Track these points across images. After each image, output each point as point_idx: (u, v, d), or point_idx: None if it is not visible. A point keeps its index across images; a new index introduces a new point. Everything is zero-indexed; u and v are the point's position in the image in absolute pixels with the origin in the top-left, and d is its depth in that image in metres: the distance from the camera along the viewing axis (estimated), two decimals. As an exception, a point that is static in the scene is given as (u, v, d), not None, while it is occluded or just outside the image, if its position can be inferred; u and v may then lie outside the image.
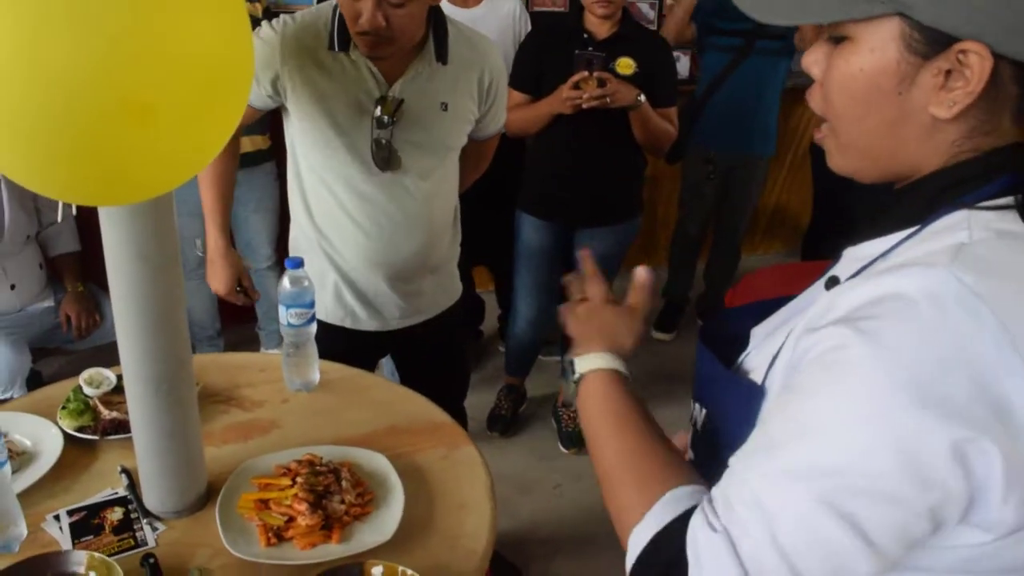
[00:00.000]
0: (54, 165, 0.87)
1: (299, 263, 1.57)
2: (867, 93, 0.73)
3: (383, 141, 1.69)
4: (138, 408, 1.23)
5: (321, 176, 1.76)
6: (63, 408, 1.51)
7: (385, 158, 1.70)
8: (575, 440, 3.07)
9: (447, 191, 1.87)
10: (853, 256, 0.82)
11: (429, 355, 1.97)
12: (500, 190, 2.86)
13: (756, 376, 0.84)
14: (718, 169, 3.58)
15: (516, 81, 2.61)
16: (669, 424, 3.14)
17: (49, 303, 2.94)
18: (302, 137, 1.74)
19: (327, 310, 1.86)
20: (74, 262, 2.98)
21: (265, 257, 3.27)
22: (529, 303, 2.90)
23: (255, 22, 3.01)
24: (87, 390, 1.56)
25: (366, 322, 1.88)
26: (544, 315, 2.93)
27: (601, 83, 2.38)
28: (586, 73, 2.39)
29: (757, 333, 0.94)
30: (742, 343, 0.95)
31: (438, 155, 1.80)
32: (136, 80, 0.84)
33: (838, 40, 0.75)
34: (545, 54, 2.60)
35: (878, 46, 0.71)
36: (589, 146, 2.63)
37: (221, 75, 0.91)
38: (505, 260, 3.08)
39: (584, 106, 2.41)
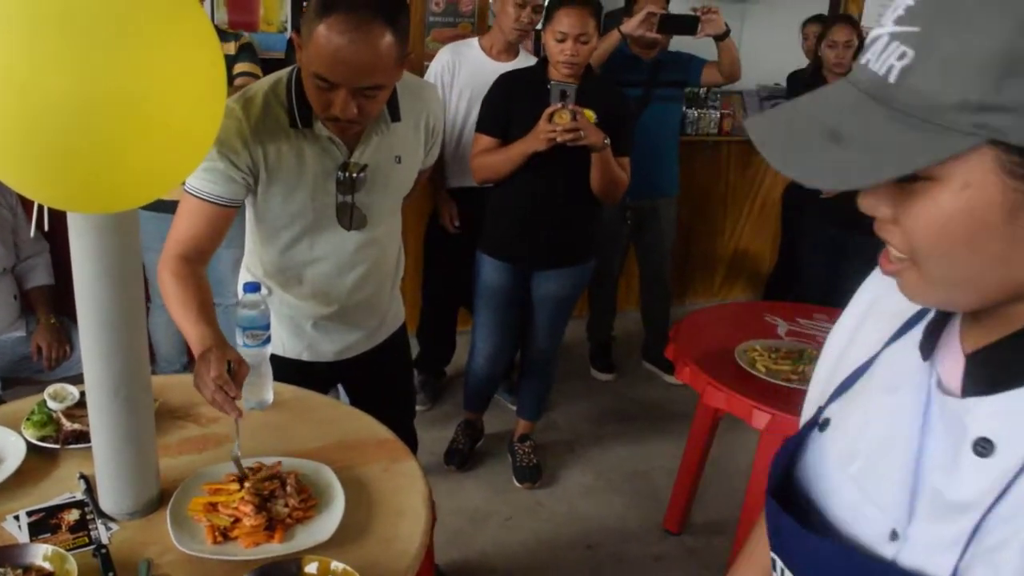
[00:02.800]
0: (37, 174, 0.99)
1: (256, 287, 1.68)
2: (972, 232, 0.63)
3: (348, 204, 1.78)
4: (97, 412, 1.33)
5: (285, 240, 1.82)
6: (27, 419, 1.60)
7: (350, 219, 1.81)
8: (528, 475, 3.17)
9: (396, 229, 2.00)
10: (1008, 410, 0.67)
11: (380, 378, 2.07)
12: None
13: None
14: (633, 214, 3.79)
15: (485, 126, 2.75)
16: (621, 462, 3.30)
17: (21, 333, 3.02)
18: (267, 205, 1.77)
19: (284, 345, 1.95)
20: (48, 295, 3.07)
21: (234, 293, 3.37)
22: (487, 340, 3.01)
23: (230, 60, 3.15)
24: (51, 404, 1.65)
25: (323, 354, 1.98)
26: (501, 352, 3.05)
27: (573, 116, 2.50)
28: (559, 105, 2.52)
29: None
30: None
31: (395, 204, 1.93)
32: (119, 116, 0.97)
33: (909, 178, 0.64)
34: (512, 102, 2.73)
35: (974, 181, 0.61)
36: (548, 192, 2.76)
37: (196, 107, 1.04)
38: None
39: (559, 139, 2.51)
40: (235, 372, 1.49)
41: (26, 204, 2.99)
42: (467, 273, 3.12)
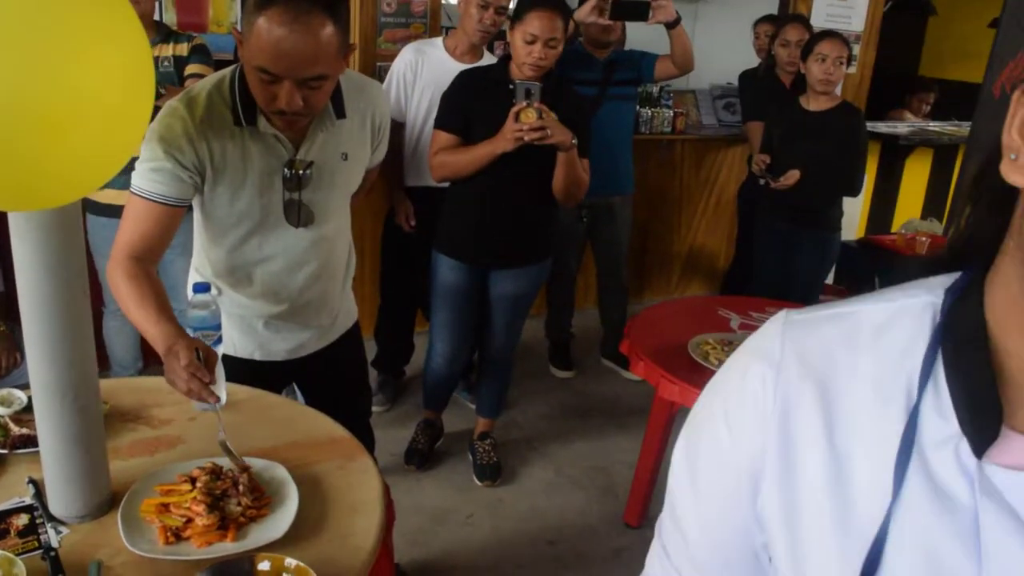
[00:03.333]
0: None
1: (206, 287, 1.68)
2: None
3: (295, 201, 1.79)
4: (45, 416, 1.32)
5: (234, 239, 1.81)
6: (-26, 426, 1.58)
7: (297, 216, 1.81)
8: (489, 473, 3.18)
9: (346, 227, 1.99)
10: None
11: (335, 376, 2.07)
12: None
13: None
14: (589, 213, 3.83)
15: (444, 122, 2.74)
16: (581, 458, 3.34)
17: (-33, 342, 2.96)
18: (214, 204, 1.77)
19: (235, 345, 1.94)
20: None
21: (187, 298, 3.33)
22: (445, 339, 3.02)
23: (182, 61, 3.13)
24: (-1, 410, 1.63)
25: (275, 353, 1.97)
26: (459, 351, 3.06)
27: (539, 114, 2.51)
28: (524, 104, 2.52)
29: None
30: None
31: (343, 200, 1.92)
32: (49, 101, 0.96)
33: None
34: (473, 99, 2.73)
35: None
36: (504, 192, 2.76)
37: (124, 101, 1.04)
38: None
39: (526, 139, 2.51)
40: (205, 359, 1.49)
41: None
42: (424, 273, 3.13)
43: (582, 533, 2.97)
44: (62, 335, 1.27)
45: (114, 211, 3.06)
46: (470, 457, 3.29)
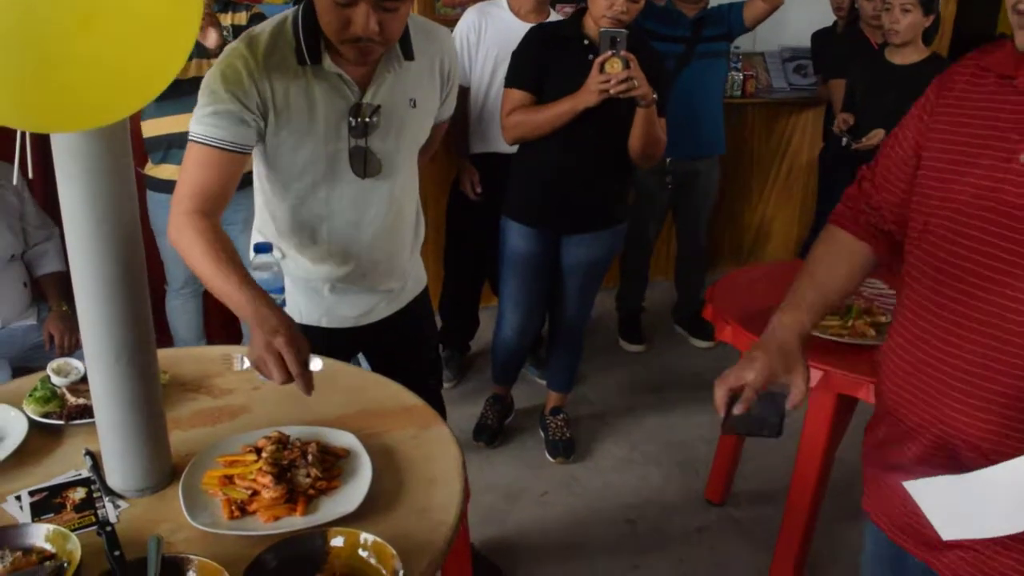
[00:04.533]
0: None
1: (268, 248, 1.56)
2: None
3: (361, 148, 1.67)
4: (99, 380, 1.22)
5: (298, 192, 1.70)
6: (29, 395, 1.49)
7: (363, 165, 1.69)
8: (562, 449, 3.05)
9: (414, 184, 1.87)
10: None
11: (404, 344, 1.95)
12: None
13: None
14: (672, 176, 3.62)
15: (518, 80, 2.59)
16: (656, 434, 3.14)
17: (32, 321, 2.92)
18: (278, 152, 1.66)
19: (301, 311, 1.83)
20: (59, 282, 2.97)
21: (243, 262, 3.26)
22: (515, 310, 2.88)
23: (241, 31, 3.03)
24: (55, 379, 1.54)
25: (344, 318, 1.86)
26: (530, 321, 2.92)
27: (626, 64, 2.35)
28: (610, 53, 2.36)
29: None
30: None
31: (410, 152, 1.79)
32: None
33: None
34: (546, 55, 2.57)
35: None
36: (579, 151, 2.61)
37: (169, 8, 0.92)
38: None
39: (612, 91, 2.35)
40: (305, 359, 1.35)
41: (33, 188, 2.89)
42: (491, 244, 3.00)
43: (662, 511, 2.81)
44: (114, 291, 1.16)
45: (174, 187, 2.99)
46: (541, 433, 3.16)
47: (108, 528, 1.10)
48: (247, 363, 1.43)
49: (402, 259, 1.87)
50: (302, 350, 1.33)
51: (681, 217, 3.90)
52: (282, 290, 1.57)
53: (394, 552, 1.10)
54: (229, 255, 1.47)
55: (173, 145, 2.93)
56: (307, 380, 1.32)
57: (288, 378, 1.32)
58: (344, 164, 1.67)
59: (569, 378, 3.15)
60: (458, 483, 1.32)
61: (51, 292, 2.95)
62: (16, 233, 2.81)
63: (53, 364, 1.57)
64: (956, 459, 1.16)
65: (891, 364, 1.26)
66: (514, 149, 2.85)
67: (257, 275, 1.54)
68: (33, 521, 1.20)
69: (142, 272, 1.19)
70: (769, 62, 5.08)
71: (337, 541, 1.13)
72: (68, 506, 1.25)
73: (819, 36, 4.47)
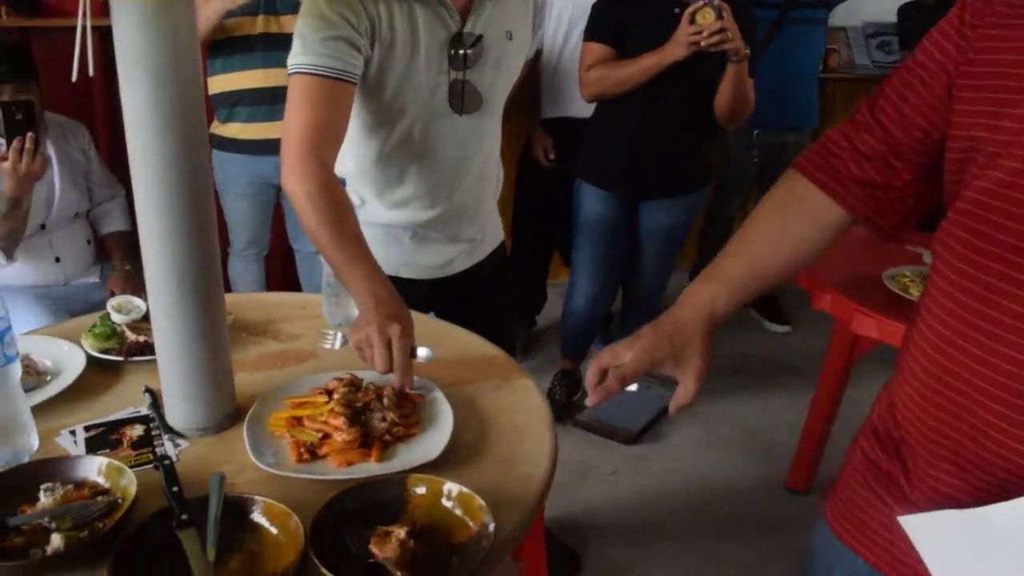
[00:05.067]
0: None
1: (342, 183, 1.45)
2: None
3: (460, 82, 1.54)
4: (160, 306, 1.11)
5: (392, 129, 1.57)
6: (88, 331, 1.40)
7: (462, 100, 1.56)
8: (634, 428, 2.91)
9: (499, 129, 1.75)
10: None
11: (482, 298, 1.82)
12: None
13: None
14: (760, 149, 3.42)
15: (598, 33, 2.45)
16: (733, 417, 2.95)
17: (95, 279, 2.87)
18: (379, 85, 1.52)
19: (378, 259, 1.71)
20: (123, 241, 2.92)
21: None
22: (588, 279, 2.74)
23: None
24: (115, 317, 1.45)
25: (422, 269, 1.73)
26: (604, 290, 2.78)
27: (718, 13, 2.19)
28: (701, 3, 2.20)
29: None
30: None
31: (504, 89, 1.67)
32: None
33: None
34: (628, 6, 2.43)
35: None
36: (662, 111, 2.46)
37: None
38: None
39: (703, 43, 2.20)
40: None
41: (99, 145, 2.84)
42: (562, 214, 2.87)
43: (739, 497, 2.65)
44: (177, 210, 1.05)
45: (240, 146, 2.92)
46: (611, 411, 3.02)
47: (167, 462, 0.99)
48: (340, 341, 1.32)
49: (487, 206, 1.76)
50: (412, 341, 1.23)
51: (767, 189, 3.71)
52: (356, 228, 1.45)
53: (484, 504, 0.97)
54: (348, 222, 1.35)
55: (239, 102, 2.85)
56: (409, 375, 1.22)
57: (390, 368, 1.21)
58: (442, 99, 1.54)
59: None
60: (547, 435, 1.19)
61: (115, 251, 2.90)
62: (82, 191, 2.76)
63: (113, 301, 1.48)
64: (993, 486, 0.82)
65: (913, 364, 0.90)
66: (588, 114, 2.72)
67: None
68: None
69: (207, 190, 1.08)
70: (851, 37, 4.85)
71: (419, 489, 1.01)
72: (125, 443, 1.14)
73: (906, 9, 4.23)
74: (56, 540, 0.90)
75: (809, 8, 3.22)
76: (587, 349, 3.07)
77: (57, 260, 2.73)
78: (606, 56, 2.43)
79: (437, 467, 1.08)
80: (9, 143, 2.24)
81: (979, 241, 0.79)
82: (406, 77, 1.50)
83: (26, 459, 1.08)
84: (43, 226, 2.62)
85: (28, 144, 2.26)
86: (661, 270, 2.77)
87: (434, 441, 1.13)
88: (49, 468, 1.01)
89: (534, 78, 3.09)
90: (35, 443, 1.11)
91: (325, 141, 1.38)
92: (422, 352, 1.25)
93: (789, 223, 1.01)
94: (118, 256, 2.89)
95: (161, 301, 1.11)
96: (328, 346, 1.43)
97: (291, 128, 1.39)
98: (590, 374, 1.02)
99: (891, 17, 4.41)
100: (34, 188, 2.41)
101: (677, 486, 2.70)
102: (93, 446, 1.13)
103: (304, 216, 1.34)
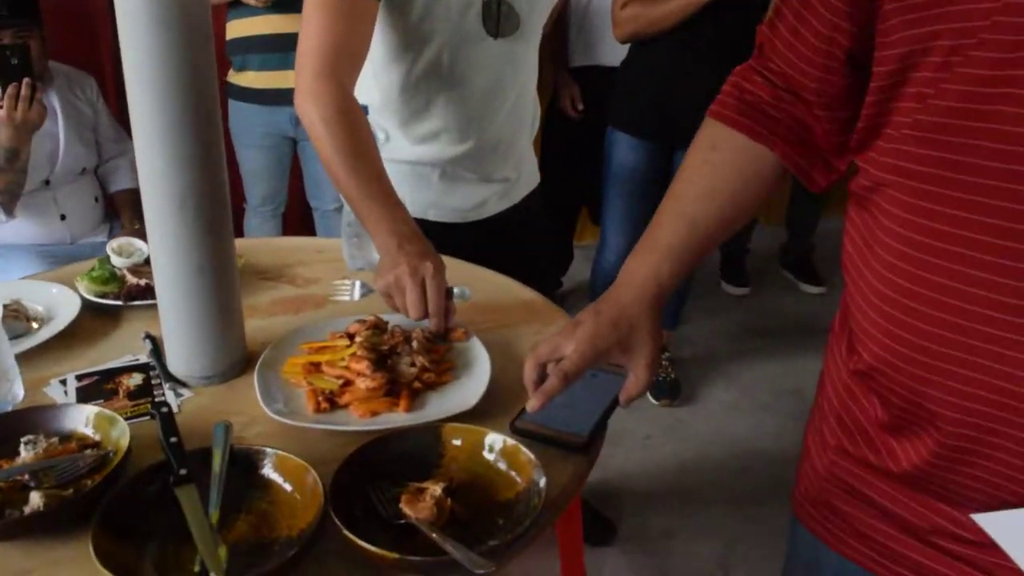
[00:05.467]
0: None
1: (364, 110, 1.30)
2: None
3: (496, 0, 1.39)
4: (158, 233, 0.97)
5: (420, 55, 1.43)
6: (85, 274, 1.27)
7: (497, 21, 1.41)
8: (667, 390, 2.77)
9: (535, 64, 1.59)
10: None
11: (517, 244, 1.66)
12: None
13: None
14: None
15: None
16: (768, 380, 2.76)
17: (103, 238, 2.75)
18: (406, 4, 1.38)
19: (404, 200, 1.56)
20: (132, 199, 2.80)
21: (333, 198, 3.02)
22: (620, 232, 2.59)
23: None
24: (115, 260, 1.32)
25: (452, 211, 1.58)
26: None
27: None
28: None
29: None
30: None
31: (541, 15, 1.51)
32: None
33: None
34: None
35: None
36: (700, 53, 2.30)
37: None
38: None
39: None
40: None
41: (107, 98, 2.70)
42: (591, 168, 2.71)
43: (779, 460, 2.51)
44: (177, 117, 0.91)
45: (254, 95, 2.78)
46: (642, 374, 2.88)
47: (164, 409, 0.86)
48: (360, 291, 1.18)
49: (521, 143, 1.60)
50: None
51: None
52: (377, 162, 1.31)
53: (533, 457, 0.83)
54: (368, 154, 1.21)
55: (252, 48, 2.71)
56: (449, 318, 1.10)
57: (425, 313, 1.07)
58: (475, 20, 1.39)
59: (675, 313, 2.86)
60: (597, 384, 1.05)
61: (124, 209, 2.78)
62: (89, 145, 2.63)
63: (113, 243, 1.35)
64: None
65: (877, 312, 0.73)
66: (618, 61, 2.56)
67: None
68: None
69: (211, 94, 0.94)
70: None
71: (456, 441, 0.87)
72: (121, 393, 1.01)
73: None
74: (35, 499, 0.77)
75: None
76: (618, 308, 2.93)
77: (63, 218, 2.61)
78: None
79: (472, 418, 0.95)
80: (4, 89, 2.11)
81: (957, 155, 0.64)
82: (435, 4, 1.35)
83: (9, 409, 0.95)
84: (47, 182, 2.49)
85: (24, 90, 2.12)
86: (697, 224, 2.61)
87: (469, 389, 1.00)
88: (31, 418, 0.88)
89: (562, 25, 2.93)
90: (20, 392, 0.98)
91: (343, 59, 1.24)
92: (459, 291, 1.12)
93: (719, 179, 0.87)
94: (127, 214, 2.77)
95: (159, 226, 0.97)
96: (346, 298, 1.29)
97: (306, 42, 1.24)
98: (527, 371, 0.89)
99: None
100: (37, 141, 2.29)
101: (714, 450, 2.57)
102: (85, 396, 1.00)
103: (320, 144, 1.20)
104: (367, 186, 1.18)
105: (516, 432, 0.90)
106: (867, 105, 0.73)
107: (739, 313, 3.51)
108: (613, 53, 2.72)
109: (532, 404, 0.85)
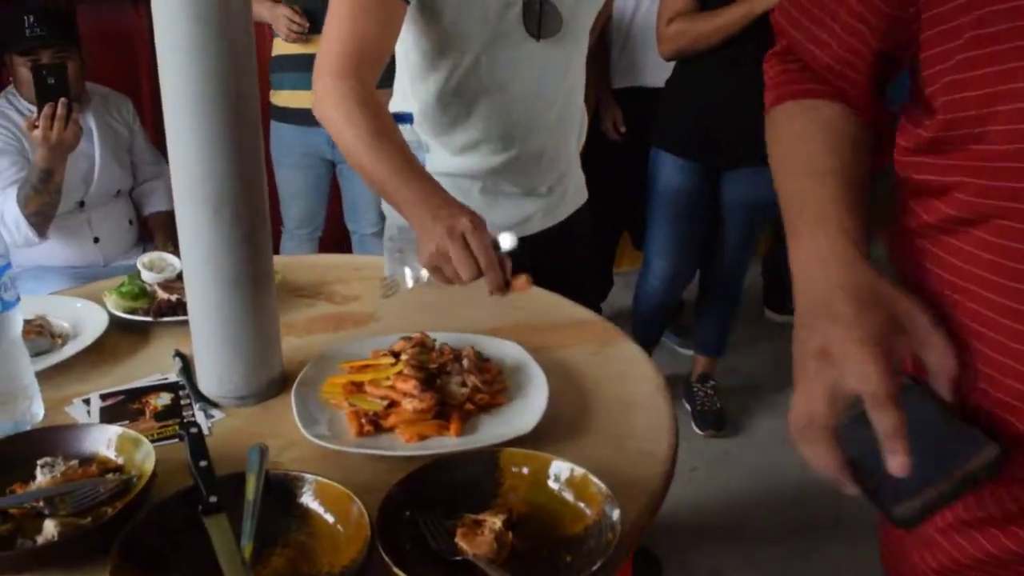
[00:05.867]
0: None
1: (408, 118, 1.23)
2: None
3: (537, 1, 1.32)
4: (192, 241, 0.90)
5: (458, 59, 1.36)
6: (114, 289, 1.20)
7: (539, 21, 1.34)
8: (713, 421, 2.66)
9: (582, 70, 1.51)
10: None
11: (563, 265, 1.56)
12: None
13: None
14: None
15: None
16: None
17: (135, 261, 2.71)
18: (440, 4, 1.32)
19: None
20: (167, 221, 2.76)
21: (371, 222, 2.96)
22: (665, 256, 2.50)
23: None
24: (146, 275, 1.25)
25: (494, 227, 1.49)
26: (682, 269, 2.53)
27: None
28: None
29: None
30: None
31: (587, 15, 1.43)
32: None
33: None
34: None
35: None
36: (746, 70, 2.21)
37: None
38: None
39: None
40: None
41: (144, 120, 2.68)
42: (634, 192, 2.63)
43: (834, 493, 2.34)
44: (213, 118, 0.84)
45: (290, 115, 2.74)
46: (686, 404, 2.77)
47: (193, 430, 0.78)
48: (411, 279, 1.11)
49: (566, 155, 1.51)
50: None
51: None
52: (423, 172, 1.24)
53: (604, 487, 0.74)
54: (391, 136, 1.15)
55: (288, 67, 2.68)
56: (505, 269, 1.03)
57: (477, 270, 1.00)
58: (515, 21, 1.32)
59: (721, 339, 2.75)
60: (665, 406, 0.96)
61: (158, 231, 2.74)
62: (124, 167, 2.59)
63: (144, 258, 1.28)
64: None
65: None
66: (662, 82, 2.49)
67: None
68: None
69: (250, 95, 0.87)
70: None
71: (516, 469, 0.78)
72: (147, 413, 0.94)
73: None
74: (50, 527, 0.69)
75: None
76: (660, 335, 2.84)
77: (96, 240, 2.57)
78: (688, 8, 2.19)
79: (530, 444, 0.86)
80: (40, 109, 2.08)
81: None
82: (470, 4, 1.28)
83: (27, 429, 0.88)
84: (82, 203, 2.46)
85: (60, 110, 2.09)
86: (744, 248, 2.52)
87: (526, 412, 0.91)
88: (49, 439, 0.81)
89: (604, 46, 2.87)
90: (39, 412, 0.91)
91: (365, 62, 1.18)
92: (506, 240, 1.04)
93: (844, 132, 0.75)
94: (161, 237, 2.73)
95: (193, 234, 0.90)
96: (391, 293, 1.20)
97: (328, 40, 1.20)
98: (825, 458, 0.64)
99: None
100: (72, 162, 2.25)
101: (764, 483, 2.45)
102: (109, 417, 0.93)
103: (341, 136, 1.15)
104: (392, 166, 1.11)
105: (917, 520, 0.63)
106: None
107: (783, 340, 3.37)
108: (656, 74, 2.65)
109: (900, 462, 0.58)
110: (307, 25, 2.58)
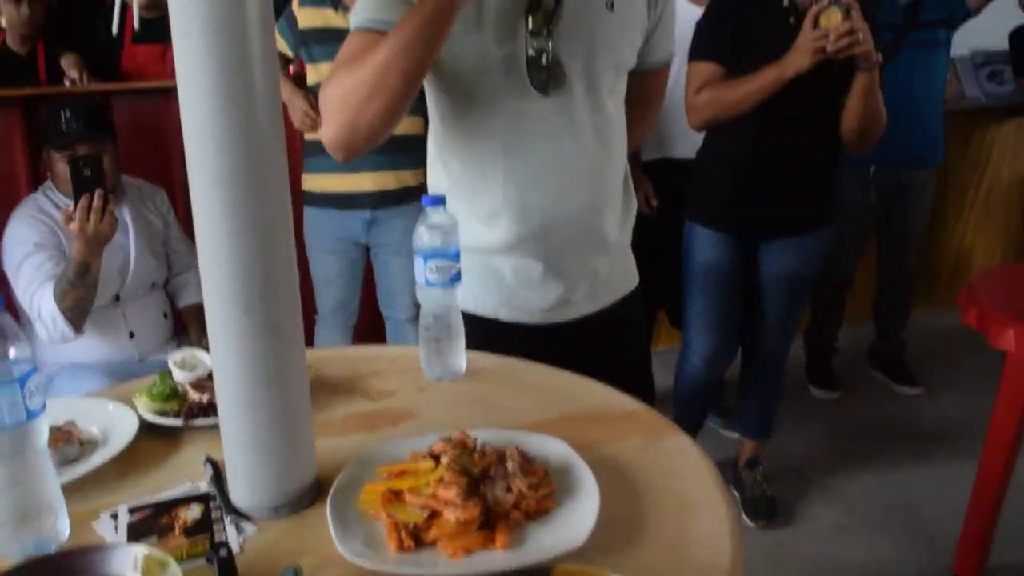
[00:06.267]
0: None
1: (440, 200, 1.20)
2: None
3: (541, 54, 1.30)
4: (221, 343, 0.86)
5: (469, 112, 1.36)
6: (144, 391, 1.17)
7: (544, 77, 1.31)
8: (764, 510, 2.54)
9: (618, 134, 1.45)
10: None
11: (609, 357, 1.47)
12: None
13: None
14: (877, 189, 3.08)
15: (707, 49, 2.20)
16: (874, 494, 2.49)
17: (170, 356, 2.70)
18: (448, 72, 1.34)
19: (475, 298, 1.44)
20: (200, 313, 2.74)
21: (405, 307, 2.94)
22: (705, 333, 2.43)
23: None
24: (177, 374, 1.22)
25: (528, 311, 1.45)
26: (722, 347, 2.46)
27: (847, 12, 1.91)
28: (826, 2, 1.93)
29: None
30: None
31: (608, 71, 1.39)
32: None
33: None
34: (740, 20, 2.18)
35: None
36: (777, 138, 2.18)
37: None
38: None
39: (830, 48, 1.92)
40: None
41: (179, 212, 2.70)
42: (669, 268, 2.59)
43: (899, 586, 2.26)
44: (244, 207, 0.81)
45: (323, 199, 2.75)
46: (735, 492, 2.65)
47: (223, 552, 0.72)
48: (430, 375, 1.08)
49: (604, 227, 1.45)
50: None
51: (886, 240, 3.34)
52: (456, 256, 1.20)
53: (666, 606, 0.68)
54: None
55: (321, 150, 2.70)
56: None
57: None
58: (521, 74, 1.30)
59: (768, 421, 2.66)
60: (723, 507, 0.89)
61: (192, 324, 2.73)
62: (159, 258, 2.60)
63: (176, 356, 1.25)
64: None
65: None
66: (692, 154, 2.46)
67: (428, 236, 1.18)
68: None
69: (282, 180, 0.84)
70: (960, 67, 4.50)
71: (569, 586, 0.72)
72: (177, 528, 0.89)
73: (1019, 35, 3.90)
74: (70, 665, 0.64)
75: (929, 28, 2.92)
76: (703, 419, 2.74)
77: (131, 335, 2.55)
78: (717, 75, 2.17)
79: (584, 555, 0.79)
80: (77, 201, 2.10)
81: None
82: (470, 44, 1.28)
83: (52, 549, 0.83)
84: (117, 297, 2.45)
85: (96, 202, 2.10)
86: (786, 322, 2.44)
87: (576, 519, 0.84)
88: (72, 563, 0.76)
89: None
90: (65, 530, 0.87)
91: None
92: None
93: None
94: (195, 330, 2.71)
95: (222, 331, 0.86)
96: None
97: (331, 85, 1.23)
98: None
99: (1002, 44, 4.07)
100: (107, 255, 2.26)
101: (825, 576, 2.33)
102: (137, 533, 0.88)
103: (354, 79, 1.19)
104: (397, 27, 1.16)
105: None
106: None
107: (831, 419, 3.28)
108: (684, 145, 2.63)
109: None
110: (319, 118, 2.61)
